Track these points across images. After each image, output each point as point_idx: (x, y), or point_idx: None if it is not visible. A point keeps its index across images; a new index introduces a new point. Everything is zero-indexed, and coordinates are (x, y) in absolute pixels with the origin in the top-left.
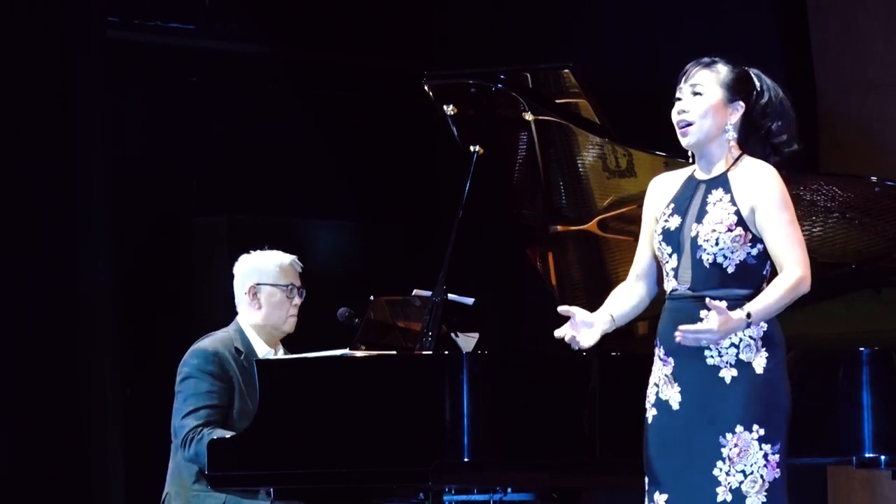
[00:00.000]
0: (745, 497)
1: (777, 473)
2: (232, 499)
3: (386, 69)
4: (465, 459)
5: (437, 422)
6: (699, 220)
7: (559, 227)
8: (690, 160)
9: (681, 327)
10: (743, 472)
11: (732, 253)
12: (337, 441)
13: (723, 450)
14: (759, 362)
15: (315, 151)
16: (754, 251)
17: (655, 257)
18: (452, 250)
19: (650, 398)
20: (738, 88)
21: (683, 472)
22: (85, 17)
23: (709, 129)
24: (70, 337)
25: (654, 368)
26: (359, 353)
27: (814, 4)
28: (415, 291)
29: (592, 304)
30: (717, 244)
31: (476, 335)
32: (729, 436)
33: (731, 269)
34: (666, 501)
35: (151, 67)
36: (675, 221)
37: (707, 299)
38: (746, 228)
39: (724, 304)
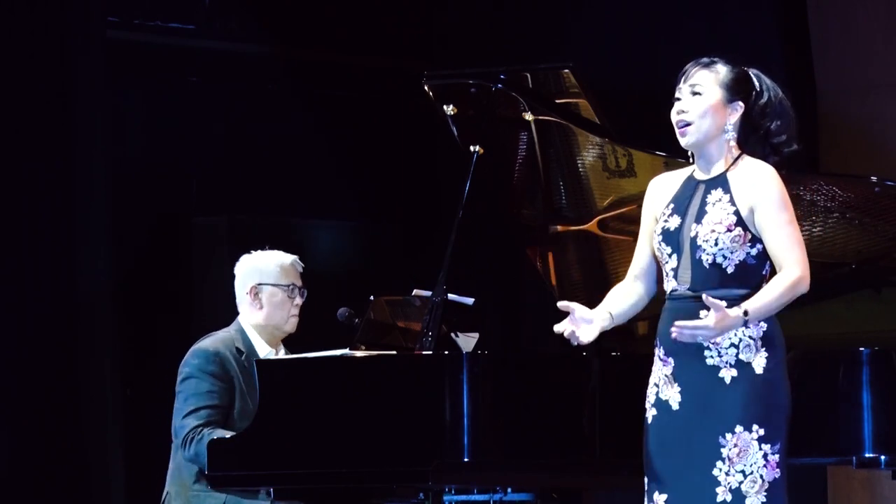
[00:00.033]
0: (744, 497)
1: (777, 473)
2: (232, 499)
3: (386, 69)
4: (465, 459)
5: (437, 422)
6: (698, 220)
7: (559, 227)
8: (690, 160)
9: (677, 323)
10: (742, 472)
11: (732, 253)
12: (337, 441)
13: (722, 450)
14: (759, 362)
15: (315, 151)
16: (754, 251)
17: (654, 257)
18: (452, 250)
19: (650, 398)
20: (737, 88)
21: (683, 472)
22: (85, 17)
23: (708, 129)
24: (70, 337)
25: (654, 368)
26: (359, 353)
27: (814, 4)
28: (415, 291)
29: (592, 304)
30: (716, 244)
31: (476, 335)
32: (728, 436)
33: (730, 270)
34: (665, 501)
35: (151, 67)
36: (674, 222)
37: (703, 295)
38: (746, 228)
39: (723, 303)
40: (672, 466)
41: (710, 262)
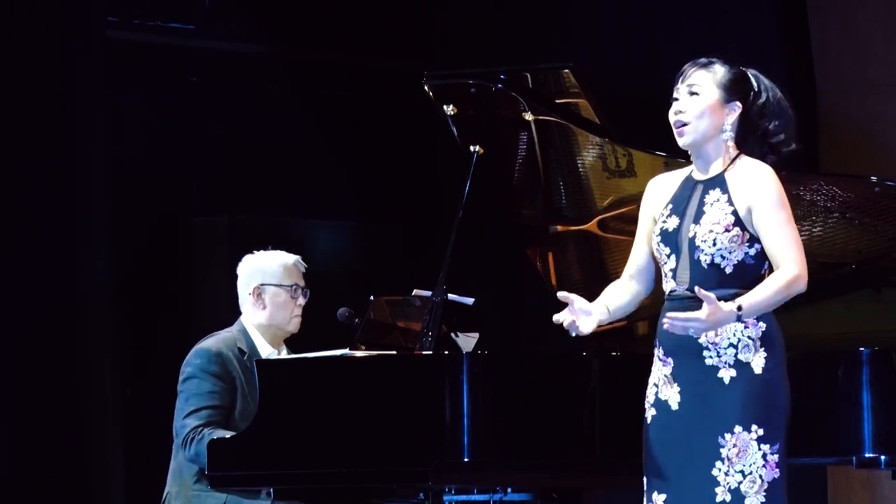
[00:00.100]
0: (744, 497)
1: (776, 473)
2: (232, 499)
3: (386, 69)
4: (465, 459)
5: (437, 422)
6: (697, 220)
7: (559, 227)
8: (691, 160)
9: (669, 314)
10: (742, 472)
11: (730, 253)
12: (337, 441)
13: (722, 450)
14: (758, 362)
15: (315, 151)
16: (752, 251)
17: (651, 257)
18: (452, 250)
19: (649, 398)
20: (735, 89)
21: (682, 472)
22: (85, 17)
23: (705, 129)
24: (70, 337)
25: (653, 369)
26: (359, 353)
27: (814, 4)
28: (415, 291)
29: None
30: (714, 244)
31: (476, 335)
32: (728, 436)
33: (728, 270)
34: (665, 501)
35: (151, 67)
36: (673, 222)
37: (696, 288)
38: (744, 228)
39: (714, 296)
40: (671, 466)
41: (708, 262)
